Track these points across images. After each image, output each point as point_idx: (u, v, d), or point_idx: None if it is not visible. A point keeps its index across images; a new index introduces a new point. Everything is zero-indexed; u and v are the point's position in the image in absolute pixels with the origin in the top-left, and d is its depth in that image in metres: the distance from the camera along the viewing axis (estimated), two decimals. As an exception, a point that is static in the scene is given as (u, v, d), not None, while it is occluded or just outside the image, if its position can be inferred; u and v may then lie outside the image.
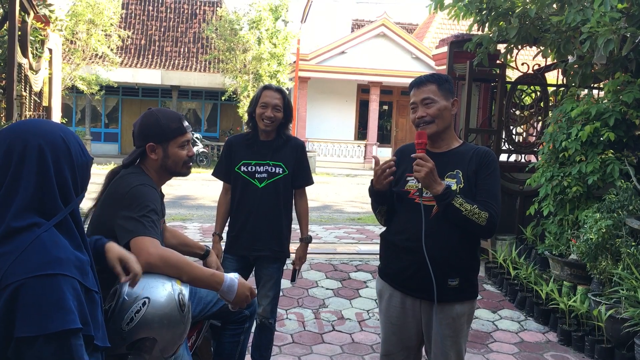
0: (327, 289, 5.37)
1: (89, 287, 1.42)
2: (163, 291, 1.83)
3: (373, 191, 2.42)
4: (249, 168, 3.20)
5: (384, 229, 2.58)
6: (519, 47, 5.85)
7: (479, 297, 4.93)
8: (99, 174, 1.64)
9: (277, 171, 3.20)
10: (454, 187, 2.33)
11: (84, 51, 17.49)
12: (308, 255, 3.47)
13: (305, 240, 3.37)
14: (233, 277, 2.05)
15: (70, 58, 17.09)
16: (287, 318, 4.63)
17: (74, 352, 1.32)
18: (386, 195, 2.41)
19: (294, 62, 19.78)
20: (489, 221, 2.27)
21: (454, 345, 2.39)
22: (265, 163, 3.19)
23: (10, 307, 1.29)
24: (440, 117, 2.38)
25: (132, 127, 2.30)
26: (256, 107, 3.17)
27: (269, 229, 3.20)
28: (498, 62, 6.29)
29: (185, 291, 1.90)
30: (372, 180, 2.39)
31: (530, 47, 5.88)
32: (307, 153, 3.40)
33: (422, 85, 2.41)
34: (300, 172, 3.29)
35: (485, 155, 2.39)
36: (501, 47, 6.04)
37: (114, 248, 1.79)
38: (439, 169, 2.31)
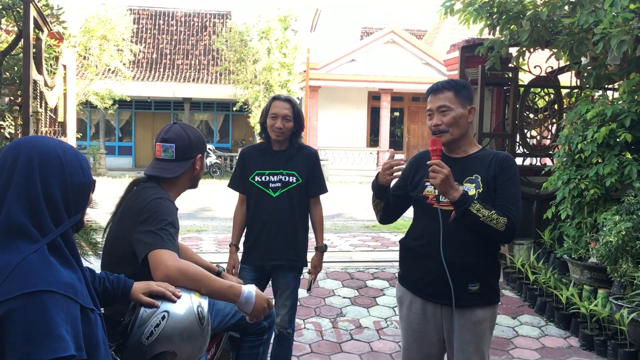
0: (344, 297, 5.35)
1: (83, 305, 1.39)
2: (182, 304, 1.82)
3: (376, 184, 2.46)
4: (263, 178, 3.20)
5: (400, 235, 2.57)
6: (531, 49, 5.81)
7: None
8: (114, 188, 1.61)
9: (290, 180, 3.20)
10: (472, 192, 2.31)
11: (97, 66, 17.72)
12: (324, 264, 3.45)
13: (320, 249, 3.36)
14: (250, 289, 2.05)
15: (83, 73, 17.31)
16: (305, 328, 4.61)
17: None
18: (386, 191, 2.48)
19: (304, 71, 19.85)
20: (507, 226, 2.24)
21: (477, 352, 2.36)
22: (279, 172, 3.20)
23: None
24: (456, 126, 2.36)
25: (144, 140, 2.33)
26: (267, 117, 3.19)
27: (284, 238, 3.19)
28: (510, 65, 6.25)
29: (204, 304, 1.89)
30: (378, 173, 2.42)
31: (543, 49, 5.83)
32: (320, 161, 3.40)
33: (438, 92, 2.39)
34: (314, 181, 3.29)
35: (505, 160, 2.36)
36: (513, 51, 6.00)
37: (137, 286, 1.81)
38: (458, 174, 2.29)
